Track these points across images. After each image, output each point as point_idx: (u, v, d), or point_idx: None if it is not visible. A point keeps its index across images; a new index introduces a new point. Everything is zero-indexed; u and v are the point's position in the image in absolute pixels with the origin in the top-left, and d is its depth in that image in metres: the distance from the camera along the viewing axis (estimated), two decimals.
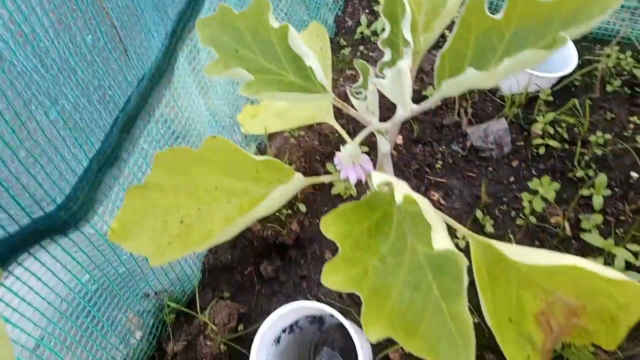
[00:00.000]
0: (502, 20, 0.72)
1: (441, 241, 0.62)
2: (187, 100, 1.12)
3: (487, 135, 1.49)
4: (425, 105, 0.85)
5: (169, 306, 1.15)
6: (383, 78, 0.77)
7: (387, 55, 0.82)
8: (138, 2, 0.93)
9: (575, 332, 0.94)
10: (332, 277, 0.70)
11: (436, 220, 0.66)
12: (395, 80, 0.73)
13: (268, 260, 1.29)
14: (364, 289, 0.71)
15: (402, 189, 0.68)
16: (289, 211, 1.33)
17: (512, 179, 1.43)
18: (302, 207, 1.34)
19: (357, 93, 0.89)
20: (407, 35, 0.77)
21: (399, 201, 0.66)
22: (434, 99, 0.84)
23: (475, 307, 1.19)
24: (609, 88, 1.55)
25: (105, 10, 0.83)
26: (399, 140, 1.54)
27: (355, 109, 0.91)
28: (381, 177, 0.74)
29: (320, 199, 1.41)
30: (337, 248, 0.72)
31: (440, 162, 1.49)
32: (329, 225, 0.75)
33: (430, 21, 0.93)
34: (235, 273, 1.29)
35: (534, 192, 1.31)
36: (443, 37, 1.79)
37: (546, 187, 1.25)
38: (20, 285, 0.80)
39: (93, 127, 0.84)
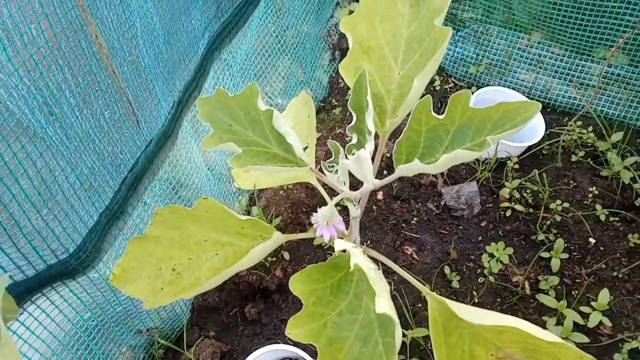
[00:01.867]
0: (446, 119, 0.88)
1: (382, 306, 0.75)
2: (188, 159, 1.28)
3: (460, 196, 1.63)
4: (386, 181, 1.00)
5: (158, 342, 1.27)
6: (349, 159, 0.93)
7: (354, 139, 0.98)
8: (150, 78, 1.09)
9: None
10: (295, 330, 0.84)
11: (381, 287, 0.80)
12: (357, 163, 0.89)
13: (252, 303, 1.42)
14: (322, 340, 0.84)
15: (355, 258, 0.82)
16: (274, 258, 1.47)
17: (479, 238, 1.57)
18: (286, 255, 1.48)
19: (330, 166, 1.04)
20: (370, 126, 0.92)
21: (352, 268, 0.80)
22: (393, 177, 0.99)
23: (433, 358, 1.31)
24: (573, 158, 1.70)
25: (123, 90, 1.00)
26: (380, 195, 1.69)
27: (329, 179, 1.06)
28: (342, 245, 0.88)
29: (303, 248, 1.55)
30: (300, 310, 0.85)
31: (415, 219, 1.63)
32: (296, 283, 0.89)
33: (397, 106, 1.09)
34: (222, 314, 1.42)
35: (491, 255, 1.44)
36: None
37: (501, 252, 1.38)
38: (32, 321, 0.94)
39: (105, 186, 0.99)
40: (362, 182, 1.01)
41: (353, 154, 0.93)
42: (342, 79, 2.09)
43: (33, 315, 0.93)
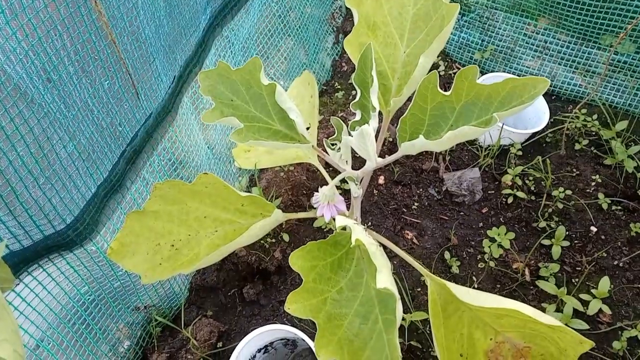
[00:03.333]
0: (452, 96, 0.86)
1: (383, 281, 0.74)
2: (188, 135, 1.26)
3: (461, 182, 1.62)
4: (389, 159, 0.99)
5: (156, 320, 1.27)
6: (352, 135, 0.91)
7: (358, 116, 0.96)
8: (151, 51, 1.07)
9: None
10: (294, 305, 0.83)
11: (382, 263, 0.79)
12: (361, 139, 0.87)
13: (251, 284, 1.41)
14: (320, 316, 0.83)
15: (357, 234, 0.81)
16: (273, 240, 1.46)
17: (480, 224, 1.56)
18: (286, 237, 1.47)
19: (332, 144, 1.03)
20: (375, 102, 0.91)
21: (353, 244, 0.79)
22: (396, 156, 0.98)
23: (431, 342, 1.30)
24: (577, 146, 1.69)
25: (122, 60, 0.98)
26: (381, 180, 1.67)
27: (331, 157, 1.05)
28: (343, 221, 0.86)
29: (303, 230, 1.54)
30: (300, 286, 0.84)
31: (416, 204, 1.62)
32: (297, 259, 0.88)
33: (402, 85, 1.07)
34: (220, 294, 1.41)
35: (492, 240, 1.43)
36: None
37: (502, 236, 1.37)
38: (28, 292, 0.93)
39: (103, 158, 0.97)
40: (364, 162, 0.99)
41: (356, 130, 0.91)
42: (345, 62, 2.07)
43: (29, 287, 0.92)
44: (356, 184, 1.07)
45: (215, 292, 1.41)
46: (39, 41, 0.80)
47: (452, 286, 0.92)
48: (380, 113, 1.02)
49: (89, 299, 1.06)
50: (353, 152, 1.04)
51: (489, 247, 1.41)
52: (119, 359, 1.19)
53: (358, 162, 1.59)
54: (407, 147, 0.87)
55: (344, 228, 0.87)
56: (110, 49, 0.96)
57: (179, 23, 1.17)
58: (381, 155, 1.02)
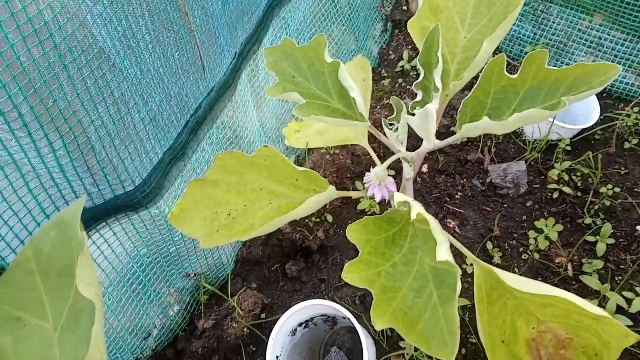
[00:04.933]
0: (517, 80, 0.87)
1: (443, 254, 0.76)
2: (244, 112, 1.30)
3: (507, 175, 1.62)
4: (447, 142, 1.00)
5: (204, 288, 1.31)
6: (413, 115, 0.93)
7: (419, 97, 0.97)
8: (217, 26, 1.11)
9: None
10: (351, 274, 0.85)
11: (442, 239, 0.80)
12: (423, 119, 0.89)
13: (294, 261, 1.44)
14: (376, 287, 0.86)
15: (417, 209, 0.83)
16: (318, 220, 1.49)
17: (524, 217, 1.55)
18: (330, 218, 1.50)
19: (390, 125, 1.04)
20: (438, 82, 0.92)
21: (414, 218, 0.80)
22: (455, 138, 0.99)
23: (475, 328, 1.31)
24: (626, 145, 1.66)
25: (193, 33, 1.01)
26: (425, 169, 1.68)
27: (387, 137, 1.07)
28: (401, 197, 0.88)
29: (346, 212, 1.56)
30: (357, 258, 0.86)
31: (460, 194, 1.62)
32: (353, 232, 0.90)
33: (461, 70, 1.08)
34: (264, 268, 1.45)
35: (540, 231, 1.43)
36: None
37: (550, 228, 1.37)
38: (94, 249, 0.98)
39: (170, 126, 1.02)
40: (416, 146, 1.01)
41: (418, 110, 0.93)
42: (393, 51, 2.08)
43: (97, 244, 0.97)
44: (410, 166, 1.08)
45: (260, 266, 1.45)
46: (122, 8, 0.84)
47: (500, 272, 0.93)
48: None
49: (147, 261, 1.11)
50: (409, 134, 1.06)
51: (535, 238, 1.41)
52: (169, 322, 1.24)
53: (411, 145, 1.60)
54: (470, 129, 0.88)
55: (402, 204, 0.89)
56: (183, 21, 0.99)
57: (242, 1, 1.20)
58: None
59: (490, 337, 1.01)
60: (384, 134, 1.08)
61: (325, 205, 1.54)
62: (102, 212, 0.93)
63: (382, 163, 1.01)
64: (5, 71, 0.67)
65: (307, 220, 1.47)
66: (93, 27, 0.78)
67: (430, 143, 0.98)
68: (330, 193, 1.05)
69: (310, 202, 0.99)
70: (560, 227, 1.43)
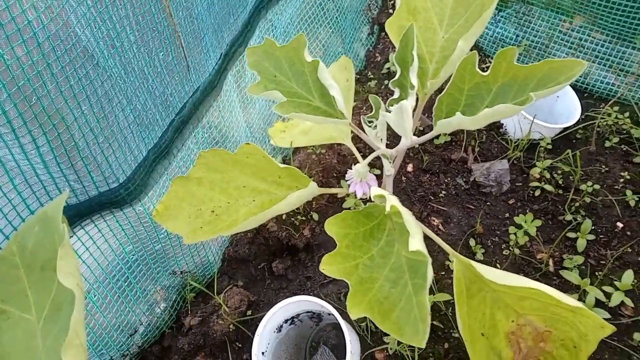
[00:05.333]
0: (489, 77, 0.90)
1: (415, 244, 0.78)
2: (230, 112, 1.32)
3: (490, 173, 1.65)
4: (425, 138, 1.03)
5: (190, 285, 1.33)
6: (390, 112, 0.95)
7: (396, 94, 1.00)
8: (202, 27, 1.13)
9: (542, 356, 1.08)
10: (329, 266, 0.88)
11: (415, 230, 0.83)
12: (398, 114, 0.91)
13: (280, 259, 1.46)
14: (353, 279, 0.88)
15: (392, 201, 0.85)
16: (304, 218, 1.51)
17: (507, 215, 1.58)
18: (315, 216, 1.52)
19: (369, 122, 1.07)
20: (414, 80, 0.95)
21: (387, 210, 0.83)
22: (431, 134, 1.02)
23: (453, 323, 1.34)
24: (607, 144, 1.70)
25: (177, 34, 1.04)
26: (410, 168, 1.71)
27: (367, 135, 1.09)
28: (378, 191, 0.91)
29: (332, 211, 1.58)
30: (334, 250, 0.89)
31: (444, 192, 1.65)
32: (332, 226, 0.93)
33: (439, 68, 1.11)
34: (250, 266, 1.47)
35: (519, 226, 1.46)
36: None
37: (529, 223, 1.40)
38: (79, 245, 1.00)
39: (154, 125, 1.04)
40: (397, 143, 1.03)
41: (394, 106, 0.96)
42: (379, 53, 2.11)
43: (81, 241, 0.99)
44: (390, 162, 1.11)
45: (246, 265, 1.47)
46: (106, 8, 0.86)
47: (477, 265, 0.96)
48: (416, 96, 1.06)
49: (132, 258, 1.13)
50: (387, 133, 1.08)
51: (515, 233, 1.43)
52: (155, 319, 1.26)
53: (392, 143, 1.63)
54: (444, 125, 0.91)
55: (378, 198, 0.92)
56: (167, 22, 1.02)
57: (228, 3, 1.23)
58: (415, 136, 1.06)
59: (470, 329, 1.03)
60: (364, 131, 1.11)
61: (311, 204, 1.57)
62: (87, 208, 0.95)
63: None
64: None
65: (293, 219, 1.50)
66: (76, 27, 0.80)
67: (408, 139, 1.00)
68: (312, 189, 1.07)
69: (292, 198, 1.01)
70: (538, 222, 1.46)
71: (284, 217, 1.51)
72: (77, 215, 0.96)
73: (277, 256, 1.48)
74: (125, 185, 0.97)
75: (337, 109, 1.04)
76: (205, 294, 1.37)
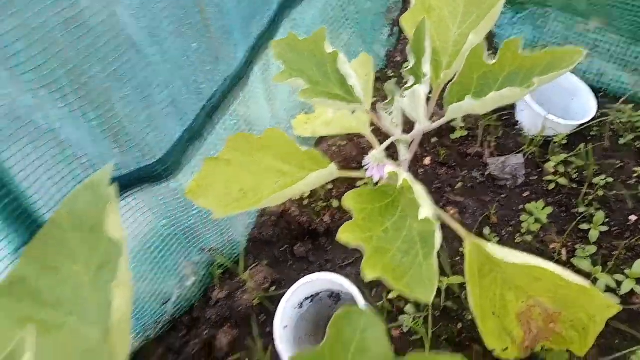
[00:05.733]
0: (496, 66, 0.97)
1: (425, 212, 0.86)
2: (255, 102, 1.42)
3: (505, 167, 1.70)
4: (436, 124, 1.10)
5: (218, 262, 1.43)
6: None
7: (410, 82, 1.08)
8: (231, 22, 1.23)
9: (552, 337, 1.14)
10: (346, 234, 0.95)
11: (425, 202, 0.90)
12: (412, 99, 0.99)
13: (301, 242, 1.55)
14: (369, 248, 0.95)
15: (404, 175, 0.93)
16: (324, 204, 1.59)
17: (521, 206, 1.63)
18: (335, 203, 1.60)
19: (385, 109, 1.15)
20: (426, 68, 1.03)
21: (399, 183, 0.91)
22: (444, 119, 1.09)
23: (466, 305, 1.39)
24: (621, 140, 1.74)
25: (209, 27, 1.14)
26: (427, 161, 1.78)
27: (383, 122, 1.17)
28: (393, 167, 0.99)
29: None
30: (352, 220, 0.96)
31: (460, 184, 1.71)
32: (350, 200, 1.01)
33: (452, 61, 1.18)
34: (274, 248, 1.56)
35: (530, 214, 1.51)
36: None
37: (540, 211, 1.45)
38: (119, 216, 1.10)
39: (188, 109, 1.14)
40: (413, 129, 1.11)
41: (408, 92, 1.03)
42: (399, 53, 2.19)
43: (121, 211, 1.09)
44: (406, 147, 1.18)
45: (270, 246, 1.56)
46: (148, 1, 0.97)
47: (488, 245, 1.02)
48: (430, 87, 1.13)
49: (165, 232, 1.23)
50: (403, 122, 1.16)
51: (527, 220, 1.49)
52: (185, 292, 1.35)
53: (409, 129, 1.70)
54: (455, 109, 0.98)
55: (392, 175, 0.99)
56: (200, 16, 1.12)
57: (255, 1, 1.33)
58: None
59: (481, 309, 1.08)
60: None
61: (332, 191, 1.65)
62: (127, 181, 1.05)
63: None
64: (47, 50, 0.79)
65: (314, 205, 1.58)
66: (122, 16, 0.91)
67: (422, 124, 1.08)
68: (331, 170, 1.15)
69: (312, 178, 1.09)
70: (549, 210, 1.51)
71: (305, 203, 1.60)
72: (118, 187, 1.06)
73: (299, 240, 1.56)
74: (162, 162, 1.07)
75: (355, 95, 1.12)
76: (231, 271, 1.47)
